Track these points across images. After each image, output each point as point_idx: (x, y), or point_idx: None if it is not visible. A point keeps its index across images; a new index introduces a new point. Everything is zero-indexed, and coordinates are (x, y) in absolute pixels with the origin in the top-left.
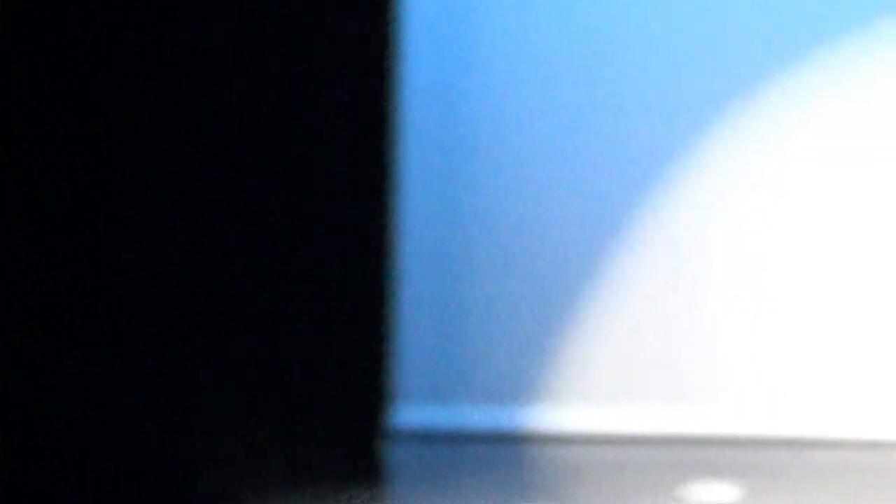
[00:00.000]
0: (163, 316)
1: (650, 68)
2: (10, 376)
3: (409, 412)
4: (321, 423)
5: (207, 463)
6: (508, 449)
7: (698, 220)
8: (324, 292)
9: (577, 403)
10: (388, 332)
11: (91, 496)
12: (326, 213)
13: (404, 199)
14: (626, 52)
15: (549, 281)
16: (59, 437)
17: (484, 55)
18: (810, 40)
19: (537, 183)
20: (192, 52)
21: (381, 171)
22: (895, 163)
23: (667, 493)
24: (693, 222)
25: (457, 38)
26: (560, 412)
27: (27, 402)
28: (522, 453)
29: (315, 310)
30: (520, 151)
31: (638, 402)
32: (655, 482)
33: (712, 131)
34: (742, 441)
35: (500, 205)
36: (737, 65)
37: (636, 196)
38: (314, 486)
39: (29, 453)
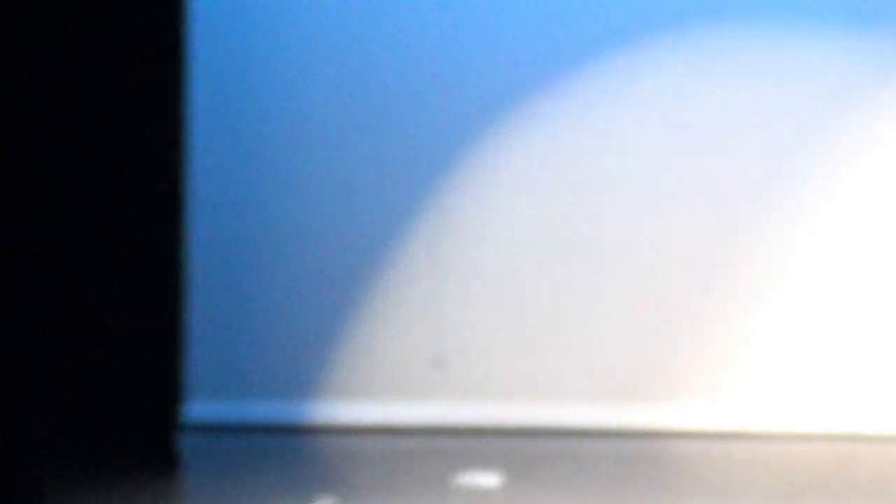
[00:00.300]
0: None
1: (434, 68)
2: None
3: (201, 406)
4: (118, 418)
5: (4, 458)
6: (293, 440)
7: (475, 216)
8: (117, 292)
9: (357, 398)
10: (179, 331)
11: None
12: (120, 212)
13: (194, 200)
14: (411, 54)
15: (329, 281)
16: None
17: (272, 64)
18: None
19: (321, 184)
20: None
21: (172, 171)
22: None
23: (439, 480)
24: (469, 219)
25: (243, 40)
26: (341, 406)
27: None
28: (306, 444)
29: (110, 309)
30: (307, 152)
31: (414, 397)
32: (429, 470)
33: (497, 125)
34: (507, 431)
35: (286, 206)
36: (510, 65)
37: (418, 195)
38: (112, 478)
39: None
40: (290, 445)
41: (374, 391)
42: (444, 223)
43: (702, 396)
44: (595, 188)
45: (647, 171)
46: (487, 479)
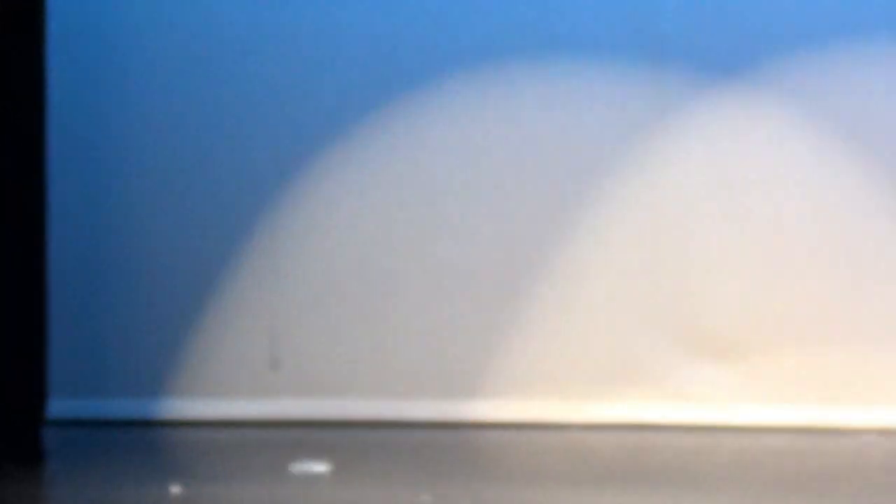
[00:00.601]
0: None
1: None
2: None
3: (62, 403)
4: None
5: None
6: (147, 433)
7: (305, 232)
8: None
9: (203, 395)
10: (41, 333)
11: None
12: None
13: (54, 205)
14: (252, 67)
15: (179, 288)
16: None
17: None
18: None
19: (174, 192)
20: None
21: (31, 172)
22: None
23: (276, 468)
24: (300, 234)
25: (99, 44)
26: (189, 402)
27: None
28: (158, 437)
29: None
30: (163, 157)
31: (254, 395)
32: (267, 459)
33: (328, 144)
34: (336, 424)
35: (141, 211)
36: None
37: (256, 209)
38: None
39: None
40: (145, 438)
41: (218, 389)
42: (278, 238)
43: (508, 391)
44: (412, 204)
45: (460, 190)
46: (318, 467)
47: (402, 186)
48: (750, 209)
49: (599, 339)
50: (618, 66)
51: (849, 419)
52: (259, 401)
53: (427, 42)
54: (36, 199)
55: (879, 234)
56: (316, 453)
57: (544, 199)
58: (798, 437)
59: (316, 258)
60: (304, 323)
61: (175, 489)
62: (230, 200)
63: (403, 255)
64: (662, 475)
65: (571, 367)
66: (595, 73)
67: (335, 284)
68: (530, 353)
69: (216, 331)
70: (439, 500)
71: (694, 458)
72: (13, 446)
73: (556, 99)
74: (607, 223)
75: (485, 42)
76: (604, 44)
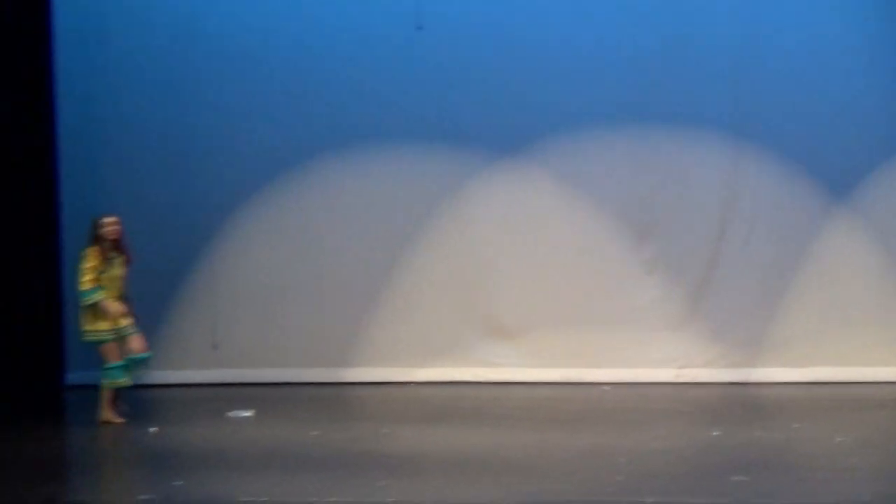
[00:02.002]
0: None
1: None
2: None
3: (78, 373)
4: (17, 381)
5: None
6: (134, 394)
7: (244, 250)
8: (11, 288)
9: (166, 367)
10: (59, 318)
11: None
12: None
13: (66, 205)
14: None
15: (157, 285)
16: None
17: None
18: None
19: (159, 207)
20: None
21: (42, 180)
22: None
23: (217, 414)
24: (238, 253)
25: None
26: (158, 372)
27: None
28: (140, 397)
29: (7, 302)
30: (149, 170)
31: (202, 366)
32: (211, 408)
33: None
34: (257, 385)
35: (139, 221)
36: None
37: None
38: (13, 424)
39: None
40: (131, 398)
41: (178, 363)
42: (220, 256)
43: (370, 361)
44: (306, 238)
45: (337, 230)
46: (246, 413)
47: (302, 227)
48: (524, 241)
49: (428, 325)
50: (428, 146)
51: (591, 376)
52: (204, 371)
53: (305, 131)
54: (50, 202)
55: (610, 256)
56: (244, 405)
57: (390, 235)
58: (558, 389)
59: (246, 271)
60: (234, 317)
61: (153, 429)
62: (194, 218)
63: (301, 271)
64: (471, 416)
65: (410, 344)
66: (416, 151)
67: (257, 290)
68: (383, 335)
69: (175, 321)
70: (326, 433)
71: (491, 405)
72: (39, 406)
73: (393, 170)
74: (433, 251)
75: (344, 130)
76: (416, 131)
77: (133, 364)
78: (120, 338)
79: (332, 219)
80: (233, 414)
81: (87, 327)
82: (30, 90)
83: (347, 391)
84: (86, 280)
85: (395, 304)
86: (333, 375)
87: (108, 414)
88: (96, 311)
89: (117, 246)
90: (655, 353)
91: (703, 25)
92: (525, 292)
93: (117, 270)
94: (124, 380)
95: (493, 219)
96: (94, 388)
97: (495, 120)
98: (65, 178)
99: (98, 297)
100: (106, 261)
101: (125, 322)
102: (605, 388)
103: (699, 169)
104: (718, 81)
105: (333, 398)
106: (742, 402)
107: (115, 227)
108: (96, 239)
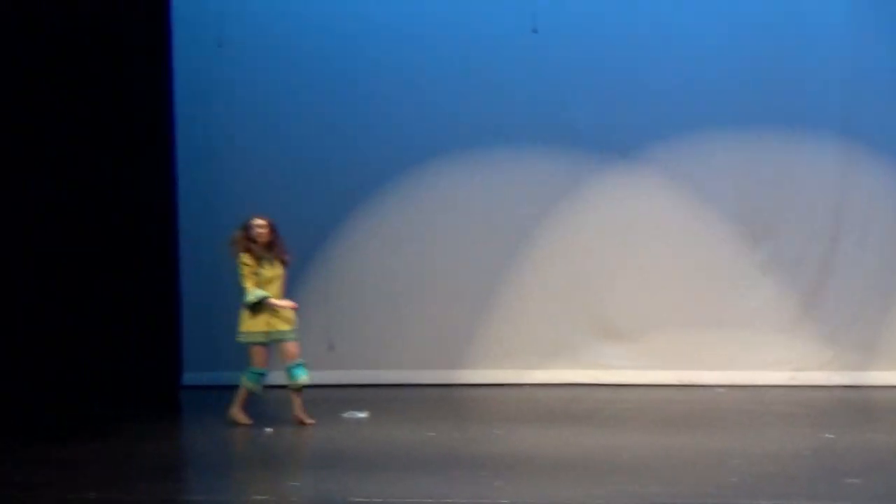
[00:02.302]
0: None
1: None
2: None
3: (193, 374)
4: (136, 382)
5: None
6: (254, 397)
7: (360, 258)
8: (128, 293)
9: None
10: (177, 324)
11: None
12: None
13: (182, 219)
14: None
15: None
16: None
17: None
18: None
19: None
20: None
21: (164, 195)
22: None
23: (334, 414)
24: (355, 257)
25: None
26: (273, 373)
27: None
28: (263, 398)
29: (122, 305)
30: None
31: (318, 367)
32: (328, 409)
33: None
34: (373, 386)
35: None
36: None
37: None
38: (131, 421)
39: None
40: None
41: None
42: (335, 259)
43: (485, 363)
44: (422, 240)
45: (455, 233)
46: (361, 414)
47: (417, 229)
48: (637, 242)
49: (542, 327)
50: (543, 148)
51: (705, 378)
52: (320, 372)
53: (422, 133)
54: (169, 204)
55: (722, 258)
56: (359, 406)
57: (505, 236)
58: (671, 391)
59: (362, 273)
60: (350, 319)
61: (268, 430)
62: (309, 221)
63: (416, 273)
64: (584, 418)
65: (523, 346)
66: (531, 153)
67: (373, 291)
68: (497, 337)
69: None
70: (440, 434)
71: (605, 407)
72: (157, 406)
73: (508, 172)
74: (547, 252)
75: (461, 132)
76: (531, 133)
77: (284, 373)
78: (272, 342)
79: (446, 220)
80: (348, 415)
81: (242, 328)
82: (149, 88)
83: (461, 392)
84: (245, 281)
85: (510, 305)
86: (448, 377)
87: (237, 412)
88: (255, 311)
89: (270, 247)
90: (769, 356)
91: (816, 27)
92: (638, 294)
93: (270, 272)
94: (257, 386)
95: (607, 220)
96: (210, 389)
97: (610, 121)
98: (183, 180)
99: (254, 297)
100: (258, 262)
101: (284, 327)
102: (719, 390)
103: (812, 171)
104: (830, 84)
105: (448, 399)
106: (855, 405)
107: (263, 231)
108: (246, 240)
